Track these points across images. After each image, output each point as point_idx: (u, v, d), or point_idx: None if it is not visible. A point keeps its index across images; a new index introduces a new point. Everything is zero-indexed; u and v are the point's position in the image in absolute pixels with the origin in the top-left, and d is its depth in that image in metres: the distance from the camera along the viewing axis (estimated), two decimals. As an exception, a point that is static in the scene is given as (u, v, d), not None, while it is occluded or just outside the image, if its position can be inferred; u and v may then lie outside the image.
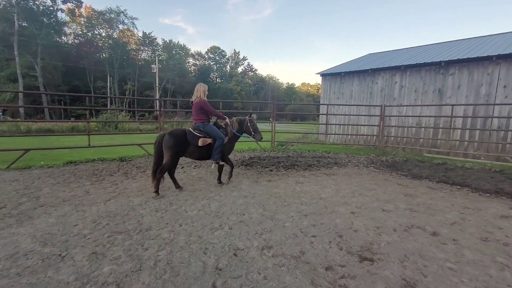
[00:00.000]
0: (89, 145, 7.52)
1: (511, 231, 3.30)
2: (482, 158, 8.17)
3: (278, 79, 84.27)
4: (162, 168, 4.30)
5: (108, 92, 38.96)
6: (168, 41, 50.88)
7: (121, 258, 2.52)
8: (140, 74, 42.86)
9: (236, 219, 3.47)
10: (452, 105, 8.28)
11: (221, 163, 4.93)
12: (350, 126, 11.76)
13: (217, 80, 63.89)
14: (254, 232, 3.12)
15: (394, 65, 10.61)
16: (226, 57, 66.03)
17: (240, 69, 71.45)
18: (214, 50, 62.79)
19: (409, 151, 9.56)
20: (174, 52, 51.85)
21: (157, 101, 8.47)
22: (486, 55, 8.50)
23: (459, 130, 8.87)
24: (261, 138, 5.23)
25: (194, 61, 59.38)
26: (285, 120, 39.55)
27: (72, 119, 27.59)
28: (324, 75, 13.15)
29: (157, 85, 34.10)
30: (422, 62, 9.86)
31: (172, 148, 4.30)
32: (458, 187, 5.24)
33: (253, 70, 72.91)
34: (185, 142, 4.48)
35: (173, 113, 32.88)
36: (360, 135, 11.06)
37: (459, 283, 2.26)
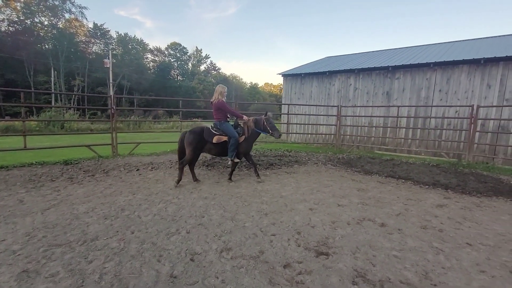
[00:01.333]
0: (25, 147, 6.61)
1: (445, 219, 3.72)
2: (423, 154, 9.16)
3: (241, 79, 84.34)
4: (183, 161, 4.90)
5: (53, 88, 34.94)
6: (123, 34, 47.46)
7: (59, 275, 2.24)
8: (91, 69, 39.23)
9: (195, 222, 3.34)
10: (398, 107, 9.13)
11: (236, 160, 5.14)
12: (310, 125, 12.25)
13: (179, 78, 61.62)
14: (214, 235, 3.03)
15: (349, 68, 11.32)
16: (188, 54, 64.01)
17: (202, 68, 69.89)
18: (175, 46, 60.43)
19: (362, 148, 10.30)
20: (131, 47, 48.55)
21: (110, 98, 7.80)
22: (425, 62, 9.53)
23: (404, 129, 9.82)
24: (280, 135, 5.29)
25: (153, 57, 56.35)
26: (248, 119, 39.69)
27: (7, 117, 24.10)
28: (285, 75, 13.49)
29: (111, 81, 31.58)
30: (373, 66, 10.68)
31: (191, 144, 4.83)
32: (403, 180, 5.77)
33: (217, 69, 71.93)
34: (202, 139, 4.93)
35: (129, 112, 30.73)
36: (319, 134, 11.58)
37: (402, 269, 2.46)
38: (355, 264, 2.53)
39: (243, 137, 5.16)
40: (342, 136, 10.66)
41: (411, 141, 9.74)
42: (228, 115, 5.18)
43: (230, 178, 5.28)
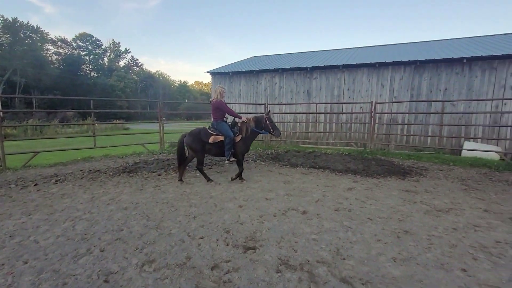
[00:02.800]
0: None
1: (353, 200, 4.32)
2: (338, 145, 10.48)
3: (169, 76, 79.66)
4: (198, 163, 5.07)
5: None
6: (11, 19, 38.48)
7: None
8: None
9: (111, 238, 2.97)
10: (317, 104, 10.17)
11: (232, 159, 5.08)
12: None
13: (93, 74, 53.93)
14: (134, 248, 2.75)
15: (273, 68, 11.98)
16: (103, 47, 56.63)
17: (122, 63, 63.02)
18: (86, 37, 52.55)
19: (289, 143, 11.10)
20: (23, 35, 39.87)
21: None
22: (336, 64, 10.86)
23: (322, 124, 11.02)
24: (280, 134, 5.44)
25: (56, 49, 47.56)
26: (179, 119, 37.90)
27: None
28: (214, 74, 13.35)
29: (-4, 76, 25.23)
30: (294, 67, 11.59)
31: (191, 146, 4.90)
32: (322, 170, 6.46)
33: (139, 65, 65.93)
34: (200, 139, 4.92)
35: (27, 115, 25.24)
36: (249, 131, 11.92)
37: (319, 250, 2.74)
38: (280, 253, 2.69)
39: (240, 136, 5.10)
40: (270, 132, 11.24)
41: (329, 134, 11.02)
42: (227, 115, 5.18)
43: (241, 177, 5.30)
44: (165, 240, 2.92)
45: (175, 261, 2.51)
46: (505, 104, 8.47)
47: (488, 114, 8.68)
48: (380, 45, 15.20)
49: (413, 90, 9.77)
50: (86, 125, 20.04)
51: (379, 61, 10.11)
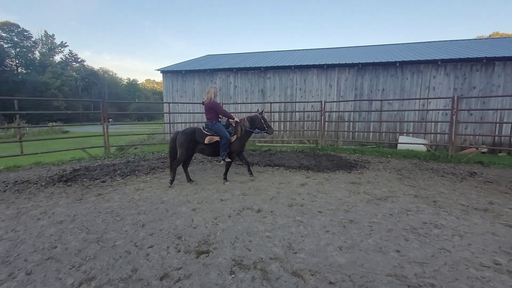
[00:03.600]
0: None
1: (306, 195, 4.53)
2: (292, 142, 10.90)
3: (116, 74, 73.57)
4: (176, 161, 4.92)
5: None
6: None
7: None
8: None
9: (41, 258, 2.59)
10: (271, 103, 10.42)
11: (227, 160, 5.12)
12: (196, 124, 12.12)
13: (20, 70, 46.92)
14: (70, 267, 2.44)
15: (228, 67, 11.90)
16: (33, 40, 49.64)
17: (58, 58, 56.13)
18: (9, 27, 45.41)
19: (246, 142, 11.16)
20: None
21: None
22: (288, 65, 11.25)
23: (277, 122, 11.34)
24: (273, 132, 5.58)
25: (-30, 40, 40.10)
26: (129, 120, 35.26)
27: None
28: (165, 72, 12.71)
29: None
30: (248, 66, 11.68)
31: (182, 145, 4.85)
32: (277, 167, 6.63)
33: (79, 60, 59.42)
34: (194, 140, 4.92)
35: None
36: (205, 131, 11.65)
37: (272, 247, 2.79)
38: (234, 253, 2.67)
39: (235, 136, 5.17)
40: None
41: (283, 132, 11.39)
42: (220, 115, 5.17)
43: (225, 178, 5.28)
44: (108, 254, 2.66)
45: (119, 276, 2.31)
46: (429, 102, 9.78)
47: (417, 112, 9.93)
48: (328, 48, 16.25)
49: (357, 90, 10.66)
50: (13, 129, 17.32)
51: (327, 63, 10.79)
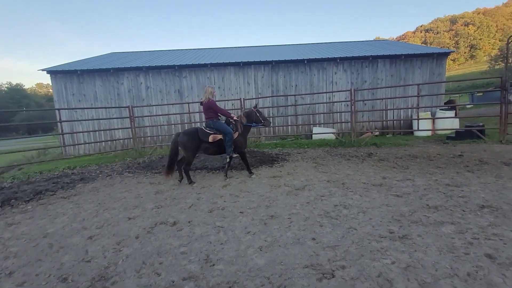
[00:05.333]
0: None
1: (228, 196, 4.31)
2: (216, 142, 10.64)
3: (-11, 77, 58.00)
4: (186, 163, 5.01)
5: None
6: None
7: None
8: None
9: None
10: (189, 103, 9.85)
11: (235, 155, 5.24)
12: (103, 131, 10.47)
13: None
14: None
15: (136, 65, 10.66)
16: None
17: None
18: None
19: (165, 147, 10.26)
20: None
21: None
22: (204, 63, 10.86)
23: (198, 123, 10.83)
24: (270, 123, 5.71)
25: None
26: (15, 134, 28.32)
27: None
28: (54, 72, 10.46)
29: None
30: (160, 65, 10.74)
31: (188, 145, 4.88)
32: (199, 171, 6.23)
33: None
34: (198, 139, 4.95)
35: None
36: (116, 140, 10.18)
37: (187, 264, 2.45)
38: (139, 283, 2.21)
39: (237, 133, 5.24)
40: (142, 138, 10.04)
41: (206, 133, 10.99)
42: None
43: (250, 172, 5.41)
44: None
45: None
46: (334, 95, 11.05)
47: (325, 104, 11.08)
48: (243, 47, 16.57)
49: (273, 86, 11.16)
50: None
51: (243, 61, 10.90)
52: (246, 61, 10.89)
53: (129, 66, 10.60)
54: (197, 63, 10.87)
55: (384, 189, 4.17)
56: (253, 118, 5.50)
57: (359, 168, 5.62)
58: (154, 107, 10.62)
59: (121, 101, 10.70)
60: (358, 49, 12.92)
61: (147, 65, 10.59)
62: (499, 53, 34.71)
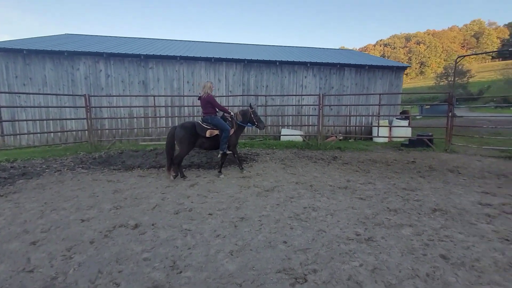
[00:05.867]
0: None
1: (195, 196, 4.11)
2: (182, 139, 10.20)
3: None
4: (177, 156, 4.90)
5: None
6: None
7: None
8: None
9: None
10: (154, 96, 9.28)
11: (228, 152, 5.26)
12: (52, 121, 9.35)
13: None
14: None
15: (95, 51, 9.71)
16: None
17: None
18: None
19: (126, 142, 9.54)
20: None
21: None
22: (173, 55, 10.32)
23: (164, 118, 10.30)
24: (264, 127, 5.71)
25: None
26: None
27: None
28: (-8, 50, 9.03)
29: None
30: (124, 52, 9.94)
31: (183, 139, 4.84)
32: (164, 169, 5.87)
33: None
34: (195, 133, 4.95)
35: None
36: (67, 131, 9.15)
37: (151, 272, 2.24)
38: (93, 296, 1.95)
39: (232, 130, 5.27)
40: (99, 131, 9.20)
41: (172, 129, 10.48)
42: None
43: (220, 171, 5.32)
44: None
45: None
46: (303, 99, 11.34)
47: (294, 106, 11.32)
48: (215, 42, 16.20)
49: (244, 85, 11.06)
50: None
51: (215, 57, 10.61)
52: (218, 57, 10.62)
53: (88, 50, 9.60)
54: (166, 54, 10.30)
55: (349, 192, 4.35)
56: (248, 118, 5.58)
57: (325, 170, 5.81)
58: (114, 97, 9.79)
59: (76, 89, 9.66)
60: (327, 56, 13.46)
61: (109, 52, 9.71)
62: (443, 71, 39.19)
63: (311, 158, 7.10)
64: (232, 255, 2.50)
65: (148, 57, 10.12)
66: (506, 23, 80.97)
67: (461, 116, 11.22)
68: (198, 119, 10.45)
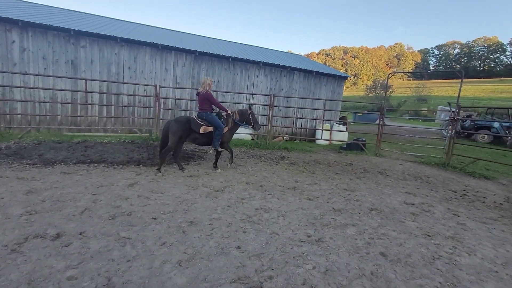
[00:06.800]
0: None
1: (135, 198, 3.64)
2: (119, 131, 9.07)
3: None
4: (167, 149, 4.89)
5: None
6: None
7: None
8: None
9: None
10: (86, 80, 8.00)
11: (220, 149, 5.32)
12: None
13: None
14: None
15: (7, 16, 7.83)
16: None
17: None
18: None
19: (45, 131, 7.99)
20: None
21: None
22: (112, 35, 9.07)
23: (97, 106, 8.98)
24: (260, 128, 5.98)
25: None
26: None
27: None
28: None
29: None
30: (48, 24, 8.28)
31: (176, 133, 4.84)
32: (96, 164, 5.09)
33: None
34: (188, 128, 4.98)
35: None
36: (-40, 112, 7.15)
37: (78, 295, 1.83)
38: (-10, 337, 1.47)
39: (227, 128, 5.41)
40: (7, 115, 7.50)
41: (107, 119, 9.21)
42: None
43: (215, 166, 5.46)
44: None
45: None
46: (253, 97, 11.38)
47: (245, 105, 11.25)
48: (163, 28, 14.95)
49: (194, 78, 10.48)
50: None
51: (163, 44, 9.75)
52: (167, 44, 9.78)
53: (-5, 14, 7.67)
54: (104, 33, 8.98)
55: (298, 193, 4.47)
56: (246, 118, 5.69)
57: (274, 170, 5.89)
58: (32, 76, 8.07)
59: (-25, 60, 7.63)
60: (279, 58, 13.81)
61: (26, 20, 7.94)
62: (372, 84, 44.83)
63: (260, 157, 7.14)
64: (180, 265, 2.25)
65: (80, 34, 8.66)
66: (420, 49, 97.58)
67: (388, 125, 12.94)
68: (139, 110, 9.50)
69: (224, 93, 10.75)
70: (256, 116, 6.01)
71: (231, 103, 10.38)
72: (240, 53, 12.42)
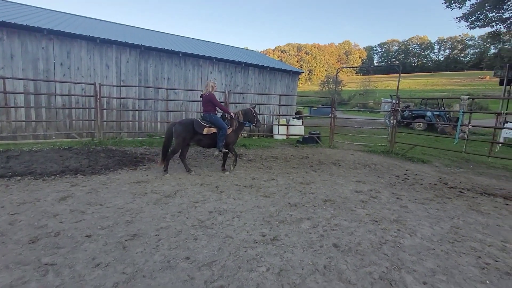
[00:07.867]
0: None
1: (67, 214, 3.14)
2: (54, 137, 7.95)
3: None
4: (172, 151, 5.03)
5: None
6: None
7: None
8: None
9: None
10: (5, 78, 6.79)
11: (224, 150, 5.31)
12: None
13: None
14: None
15: None
16: None
17: None
18: None
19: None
20: None
21: None
22: (38, 26, 7.86)
23: (24, 109, 7.72)
24: (261, 125, 6.07)
25: None
26: None
27: None
28: None
29: None
30: None
31: (180, 135, 4.94)
32: (19, 177, 4.32)
33: None
34: (192, 130, 5.03)
35: None
36: None
37: None
38: None
39: (231, 129, 5.39)
40: None
41: (37, 124, 7.99)
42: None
43: (224, 168, 5.48)
44: None
45: None
46: (208, 95, 10.99)
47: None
48: (101, 20, 13.53)
49: (141, 75, 9.70)
50: None
51: (102, 37, 8.78)
52: (106, 38, 8.84)
53: None
54: (25, 24, 7.72)
55: (254, 190, 4.37)
56: (250, 117, 5.70)
57: (231, 169, 5.72)
58: None
59: None
60: (233, 54, 13.57)
61: None
62: (325, 80, 47.34)
63: (217, 156, 6.90)
64: (116, 289, 1.95)
65: (-5, 24, 7.32)
66: (365, 46, 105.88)
67: (340, 118, 13.70)
68: (77, 112, 8.45)
69: (176, 90, 10.19)
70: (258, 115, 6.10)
71: (184, 101, 9.89)
72: (191, 48, 11.89)
